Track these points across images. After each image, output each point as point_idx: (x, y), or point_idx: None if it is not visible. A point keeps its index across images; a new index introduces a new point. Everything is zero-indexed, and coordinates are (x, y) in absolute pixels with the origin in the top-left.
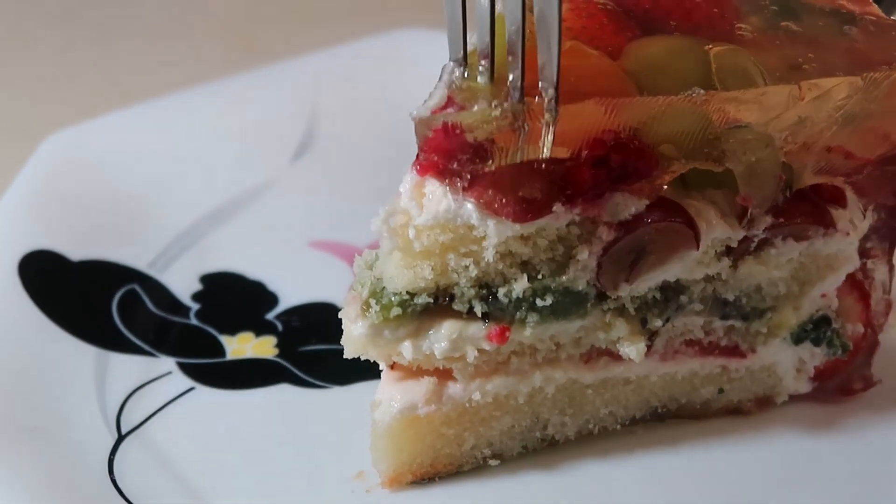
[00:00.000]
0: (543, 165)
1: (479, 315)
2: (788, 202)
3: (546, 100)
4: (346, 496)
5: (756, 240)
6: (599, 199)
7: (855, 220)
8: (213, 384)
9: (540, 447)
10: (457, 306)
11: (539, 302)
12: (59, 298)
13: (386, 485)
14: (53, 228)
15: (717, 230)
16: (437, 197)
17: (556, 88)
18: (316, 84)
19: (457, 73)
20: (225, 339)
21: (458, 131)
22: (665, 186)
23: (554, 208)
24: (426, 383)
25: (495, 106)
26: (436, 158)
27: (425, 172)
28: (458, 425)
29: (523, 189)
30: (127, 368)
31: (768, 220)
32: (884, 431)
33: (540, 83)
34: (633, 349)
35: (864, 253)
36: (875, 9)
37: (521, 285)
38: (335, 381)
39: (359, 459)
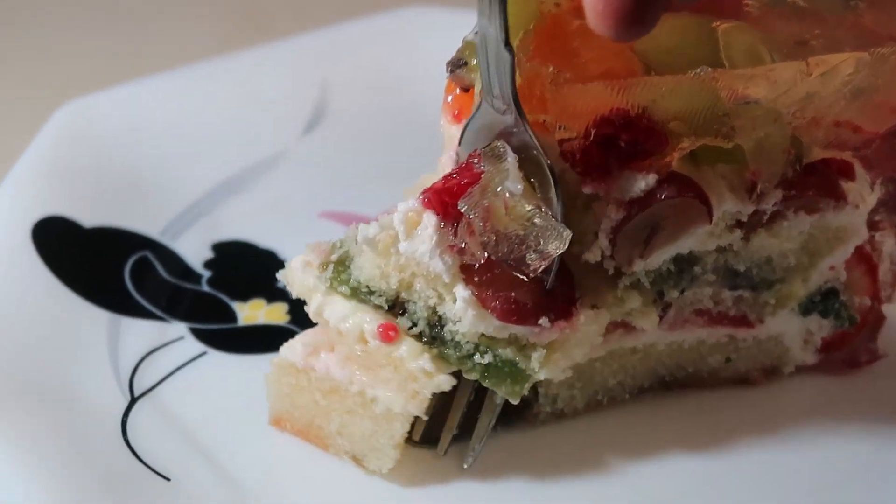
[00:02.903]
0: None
1: (421, 338)
2: (799, 176)
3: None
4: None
5: (768, 213)
6: (608, 176)
7: (863, 194)
8: (226, 349)
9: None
10: (402, 321)
11: (477, 357)
12: (72, 264)
13: (271, 422)
14: (66, 195)
15: (727, 203)
16: (426, 235)
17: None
18: (327, 59)
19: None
20: (237, 306)
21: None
22: (674, 163)
23: (540, 321)
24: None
25: (539, 215)
26: (465, 203)
27: (430, 207)
28: (329, 402)
29: (518, 291)
30: (139, 333)
31: (779, 194)
32: (889, 404)
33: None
34: (646, 320)
35: (872, 226)
36: None
37: (471, 334)
38: None
39: None
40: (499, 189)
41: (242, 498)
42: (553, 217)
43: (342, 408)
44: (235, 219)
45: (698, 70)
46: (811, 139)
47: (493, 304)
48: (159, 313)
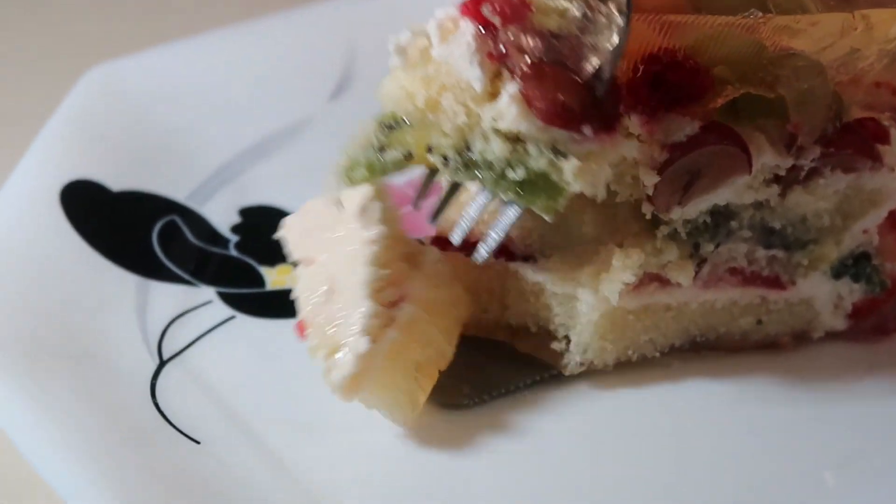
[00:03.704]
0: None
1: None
2: (837, 133)
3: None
4: (381, 420)
5: (805, 169)
6: (653, 116)
7: None
8: (254, 313)
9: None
10: (433, 157)
11: (511, 174)
12: (100, 227)
13: None
14: (94, 159)
15: (766, 155)
16: (463, 41)
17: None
18: (355, 24)
19: None
20: (264, 270)
21: (527, 4)
22: (718, 109)
23: (583, 129)
24: None
25: (577, 6)
26: (489, 8)
27: (468, 13)
28: None
29: (564, 93)
30: (168, 297)
31: (817, 150)
32: None
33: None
34: (682, 273)
35: None
36: None
37: (500, 149)
38: None
39: None
40: None
41: (272, 461)
42: (602, 11)
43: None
44: (263, 184)
45: (748, 13)
46: (851, 98)
47: (538, 103)
48: (187, 277)
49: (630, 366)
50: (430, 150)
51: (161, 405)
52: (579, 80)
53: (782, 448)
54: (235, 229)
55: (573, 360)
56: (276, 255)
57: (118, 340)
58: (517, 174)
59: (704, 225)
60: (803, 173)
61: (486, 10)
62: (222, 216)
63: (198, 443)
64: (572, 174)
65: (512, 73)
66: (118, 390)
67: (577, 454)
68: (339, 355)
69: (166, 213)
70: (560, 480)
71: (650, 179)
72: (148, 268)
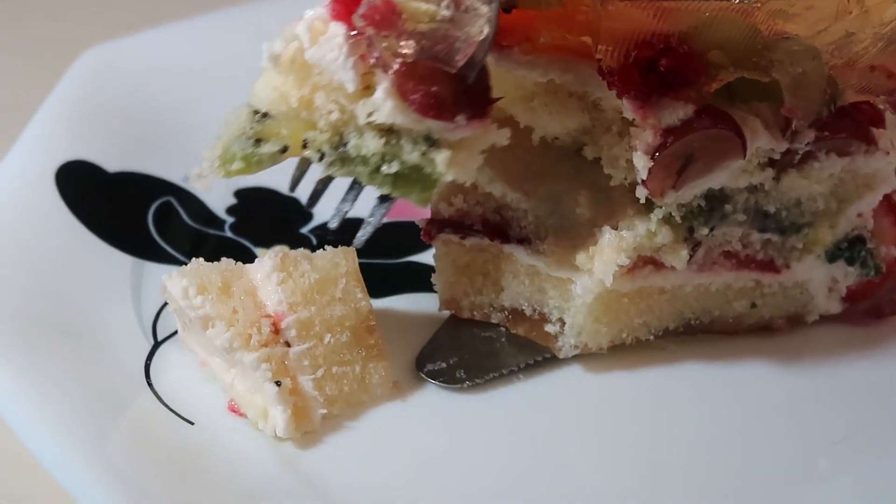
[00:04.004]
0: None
1: (320, 158)
2: (832, 117)
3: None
4: (373, 396)
5: (800, 153)
6: (647, 101)
7: (894, 141)
8: None
9: (572, 353)
10: (308, 151)
11: (385, 168)
12: (95, 208)
13: None
14: (90, 140)
15: (761, 139)
16: (335, 44)
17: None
18: None
19: None
20: (260, 252)
21: (396, 12)
22: (712, 93)
23: (456, 119)
24: None
25: (446, 6)
26: (361, 19)
27: (338, 18)
28: None
29: (438, 84)
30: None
31: (812, 134)
32: None
33: None
34: (676, 257)
35: None
36: None
37: (374, 145)
38: (369, 293)
39: (393, 369)
40: None
41: (264, 441)
42: (470, 6)
43: None
44: None
45: None
46: (846, 82)
47: (412, 96)
48: (182, 258)
49: (624, 349)
50: (305, 144)
51: (155, 386)
52: (451, 71)
53: (776, 429)
54: (231, 211)
55: (567, 342)
56: (271, 236)
57: (113, 321)
58: (391, 168)
59: (699, 208)
60: (798, 157)
61: (358, 21)
62: (218, 198)
63: (191, 423)
64: (444, 165)
65: (386, 70)
66: (113, 371)
67: (572, 436)
68: (270, 413)
69: (162, 195)
70: (554, 463)
71: (644, 163)
72: (143, 249)
